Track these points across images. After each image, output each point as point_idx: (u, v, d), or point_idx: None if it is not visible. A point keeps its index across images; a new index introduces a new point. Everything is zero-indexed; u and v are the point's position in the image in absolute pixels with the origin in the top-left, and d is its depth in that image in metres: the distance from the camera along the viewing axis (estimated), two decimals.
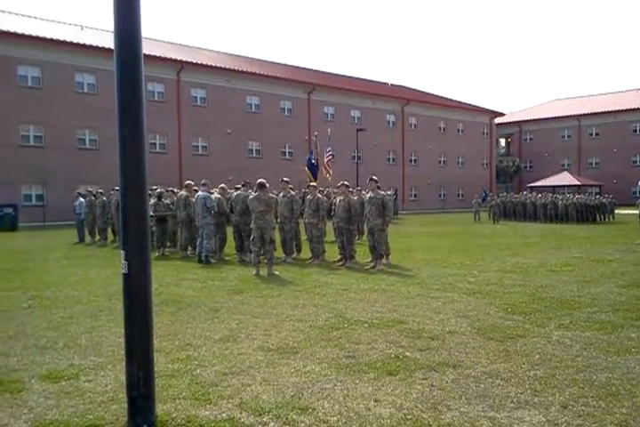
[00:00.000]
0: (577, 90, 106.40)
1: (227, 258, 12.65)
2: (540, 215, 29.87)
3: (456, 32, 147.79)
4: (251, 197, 10.89)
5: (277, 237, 11.48)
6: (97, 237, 17.51)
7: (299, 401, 3.91)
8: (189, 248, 13.25)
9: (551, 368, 4.58)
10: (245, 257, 12.07)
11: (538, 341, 5.43)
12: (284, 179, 12.26)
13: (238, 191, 12.62)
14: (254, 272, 10.07)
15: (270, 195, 11.11)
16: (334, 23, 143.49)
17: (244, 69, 37.51)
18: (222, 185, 13.50)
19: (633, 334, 5.61)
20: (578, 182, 44.31)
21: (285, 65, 46.40)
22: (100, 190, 18.31)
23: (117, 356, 4.87)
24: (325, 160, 21.69)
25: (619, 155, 52.71)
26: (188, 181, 14.18)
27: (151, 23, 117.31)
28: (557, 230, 22.45)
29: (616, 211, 31.98)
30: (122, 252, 3.54)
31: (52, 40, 28.94)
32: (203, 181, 12.53)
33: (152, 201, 13.37)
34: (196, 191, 12.85)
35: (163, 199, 13.98)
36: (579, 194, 33.97)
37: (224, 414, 3.67)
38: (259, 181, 10.61)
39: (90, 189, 18.71)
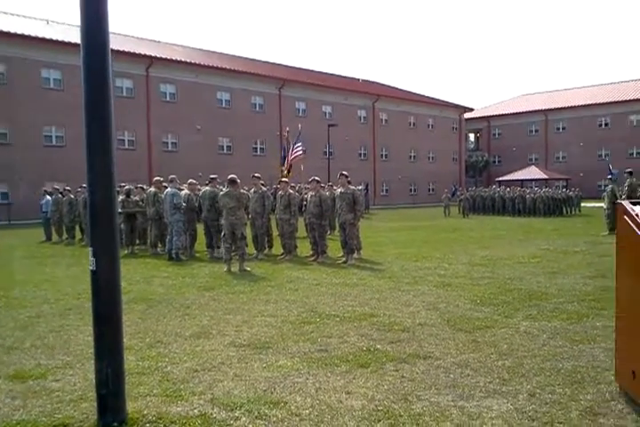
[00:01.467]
0: (545, 85, 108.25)
1: (197, 255, 12.57)
2: (508, 209, 30.33)
3: (426, 27, 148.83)
4: (222, 193, 10.84)
5: (249, 233, 11.45)
6: (64, 236, 17.20)
7: (271, 395, 3.91)
8: (159, 245, 13.13)
9: (519, 358, 4.67)
10: (216, 253, 12.01)
11: (506, 331, 5.53)
12: (255, 174, 12.22)
13: (206, 188, 12.52)
14: (225, 268, 10.03)
15: (241, 191, 11.07)
16: (305, 18, 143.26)
17: (214, 65, 37.20)
18: (191, 180, 13.36)
19: (598, 324, 5.74)
20: (545, 176, 45.04)
21: (256, 60, 46.13)
22: (68, 188, 17.97)
23: (86, 354, 4.81)
24: (292, 157, 21.64)
25: (585, 149, 53.74)
26: (156, 178, 14.03)
27: (119, 18, 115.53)
28: (525, 224, 22.83)
29: (582, 204, 32.59)
30: (90, 249, 3.50)
31: (17, 35, 28.27)
32: (170, 178, 12.40)
33: (120, 198, 13.19)
34: (165, 188, 12.72)
35: (131, 196, 13.80)
36: (546, 188, 34.53)
37: (196, 411, 3.66)
38: (229, 176, 10.57)
39: (56, 187, 18.37)
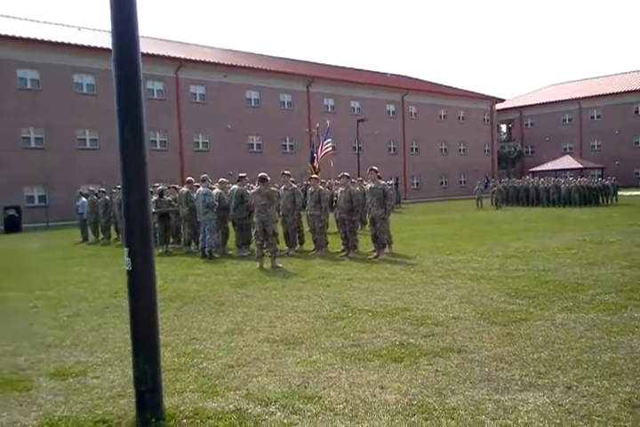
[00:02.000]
0: (577, 73, 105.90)
1: (230, 252, 12.69)
2: (542, 200, 29.83)
3: (453, 20, 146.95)
4: (252, 191, 10.91)
5: (280, 230, 11.51)
6: (100, 236, 17.56)
7: (305, 390, 3.94)
8: (193, 244, 13.30)
9: (555, 350, 4.60)
10: (243, 252, 12.12)
11: (541, 324, 5.45)
12: (285, 172, 12.26)
13: (233, 186, 12.62)
14: (258, 265, 10.11)
15: (272, 188, 11.13)
16: (331, 15, 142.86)
17: (242, 64, 37.39)
18: (222, 179, 13.46)
19: (636, 314, 5.63)
20: (580, 165, 44.06)
21: (283, 58, 46.22)
22: (102, 189, 18.34)
23: (124, 352, 4.91)
24: (322, 153, 21.61)
25: (620, 137, 52.46)
26: (188, 178, 14.20)
27: (148, 21, 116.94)
28: (560, 214, 22.43)
29: (619, 193, 31.85)
30: (125, 249, 3.56)
31: (49, 42, 28.86)
32: (202, 177, 12.54)
33: (154, 198, 13.39)
34: (197, 187, 12.88)
35: (165, 196, 14.00)
36: (581, 177, 33.86)
37: (231, 406, 3.71)
38: (260, 174, 10.63)
39: (92, 189, 18.73)
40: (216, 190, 12.71)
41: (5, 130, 27.32)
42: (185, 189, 13.45)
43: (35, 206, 28.03)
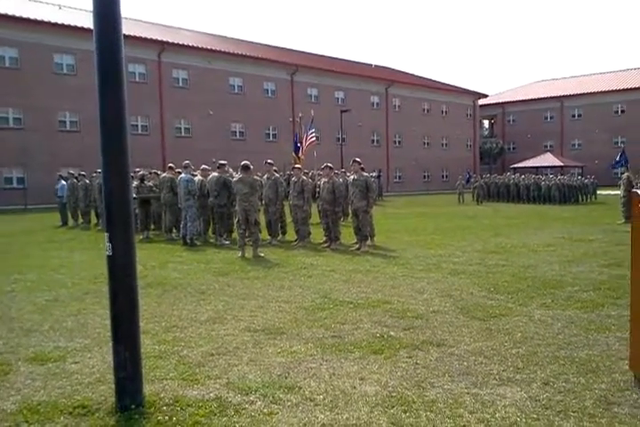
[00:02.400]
0: (560, 71, 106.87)
1: (211, 240, 12.63)
2: (523, 196, 30.13)
3: (439, 13, 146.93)
4: (235, 179, 10.85)
5: (262, 219, 11.47)
6: (80, 220, 17.37)
7: (285, 380, 3.95)
8: (174, 231, 13.21)
9: (533, 346, 4.66)
10: (225, 241, 12.07)
11: (520, 319, 5.52)
12: (268, 161, 12.20)
13: (213, 173, 12.47)
14: (239, 254, 10.08)
15: (254, 177, 11.07)
16: (318, 3, 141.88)
17: (227, 50, 37.07)
18: (204, 166, 13.33)
19: (613, 312, 5.71)
20: (560, 163, 44.58)
21: (268, 46, 45.92)
22: (83, 173, 18.11)
23: (104, 338, 4.87)
24: (307, 144, 21.59)
25: (601, 136, 53.18)
26: (170, 164, 14.09)
27: (131, 3, 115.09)
28: (540, 211, 22.68)
29: (598, 191, 32.33)
30: (106, 234, 3.52)
31: (29, 20, 28.31)
32: (184, 163, 12.44)
33: (135, 183, 13.26)
34: (179, 173, 12.77)
35: (145, 181, 13.87)
36: (561, 175, 34.26)
37: (211, 394, 3.71)
38: (243, 162, 10.56)
39: (71, 172, 18.50)
40: (198, 177, 12.61)
41: None
42: (167, 174, 13.33)
43: (13, 188, 27.63)
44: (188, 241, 11.75)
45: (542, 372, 4.05)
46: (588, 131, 54.00)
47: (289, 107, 39.27)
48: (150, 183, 13.99)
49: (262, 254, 10.13)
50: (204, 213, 12.69)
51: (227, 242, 12.02)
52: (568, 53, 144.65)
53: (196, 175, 12.84)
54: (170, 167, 13.66)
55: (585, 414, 3.34)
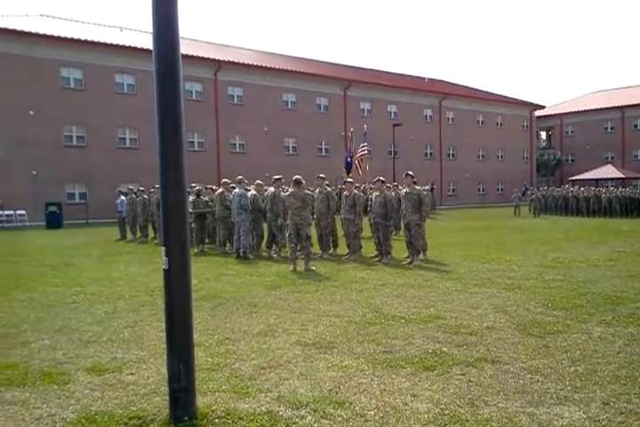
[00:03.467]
0: (620, 81, 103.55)
1: (264, 254, 12.77)
2: (582, 209, 29.17)
3: (494, 25, 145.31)
4: (287, 193, 10.97)
5: (314, 233, 11.53)
6: (138, 235, 17.86)
7: (336, 395, 3.94)
8: (228, 244, 13.43)
9: (592, 364, 4.50)
10: (271, 253, 12.23)
11: (579, 336, 5.34)
12: (320, 175, 12.29)
13: (269, 188, 12.69)
14: (291, 268, 10.15)
15: (306, 191, 11.16)
16: (370, 19, 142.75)
17: (280, 67, 37.63)
18: (258, 181, 13.56)
19: None
20: (622, 175, 42.99)
21: (321, 62, 46.39)
22: (141, 188, 18.64)
23: (159, 349, 4.99)
24: (357, 155, 21.64)
25: None
26: (224, 180, 14.37)
27: (188, 23, 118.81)
28: (600, 224, 21.92)
29: None
30: (162, 248, 3.62)
31: (92, 42, 29.59)
32: (238, 179, 12.66)
33: (191, 198, 13.57)
34: (233, 188, 13.01)
35: (201, 196, 14.19)
36: (623, 187, 33.02)
37: (263, 408, 3.73)
38: (295, 177, 10.67)
39: (131, 188, 19.08)
40: (251, 192, 12.81)
41: (48, 128, 28.06)
42: (221, 189, 13.60)
43: (75, 204, 28.72)
44: (241, 254, 11.92)
45: (602, 391, 3.90)
46: None
47: (341, 121, 39.48)
48: (206, 198, 14.30)
49: (314, 268, 10.16)
50: (258, 228, 12.86)
51: (277, 255, 12.17)
52: (627, 63, 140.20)
53: (249, 190, 13.06)
54: (224, 182, 13.94)
55: None
